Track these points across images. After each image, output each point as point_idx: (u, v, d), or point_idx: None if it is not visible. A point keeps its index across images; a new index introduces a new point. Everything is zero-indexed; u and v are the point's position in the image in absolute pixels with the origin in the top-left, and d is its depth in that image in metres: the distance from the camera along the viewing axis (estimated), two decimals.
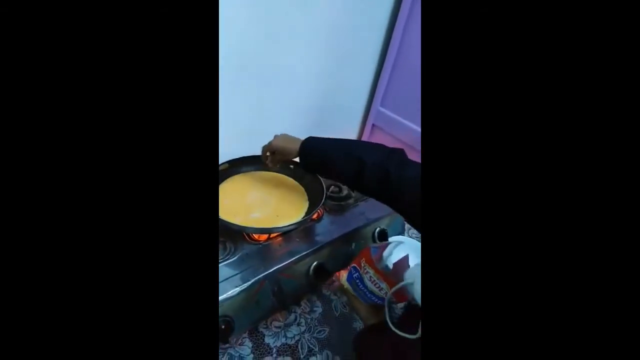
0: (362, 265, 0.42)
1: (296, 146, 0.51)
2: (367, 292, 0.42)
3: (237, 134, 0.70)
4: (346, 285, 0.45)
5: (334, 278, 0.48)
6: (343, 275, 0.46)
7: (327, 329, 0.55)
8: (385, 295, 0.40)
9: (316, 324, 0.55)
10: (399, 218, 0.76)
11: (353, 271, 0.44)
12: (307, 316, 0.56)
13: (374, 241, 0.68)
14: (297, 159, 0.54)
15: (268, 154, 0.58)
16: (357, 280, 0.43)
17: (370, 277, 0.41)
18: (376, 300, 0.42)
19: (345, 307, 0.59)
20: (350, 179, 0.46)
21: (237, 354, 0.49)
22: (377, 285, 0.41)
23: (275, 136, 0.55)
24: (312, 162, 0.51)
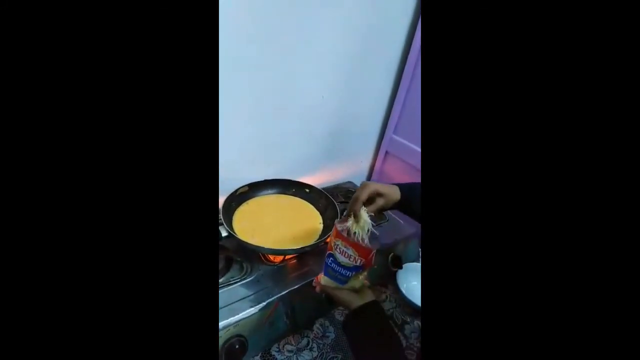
0: (332, 243, 0.44)
1: (396, 192, 0.49)
2: (342, 269, 0.43)
3: (256, 159, 0.75)
4: (324, 280, 0.46)
5: (313, 284, 0.48)
6: (320, 276, 0.47)
7: (340, 356, 0.54)
8: (355, 262, 0.42)
9: (329, 350, 0.54)
10: (414, 244, 0.76)
11: (327, 258, 0.45)
12: (320, 341, 0.55)
13: (389, 267, 0.68)
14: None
15: (360, 205, 0.47)
16: (332, 265, 0.44)
17: (340, 249, 0.42)
18: (349, 273, 0.43)
19: None
20: None
21: None
22: (346, 255, 0.42)
23: (365, 184, 0.48)
24: (413, 203, 0.50)
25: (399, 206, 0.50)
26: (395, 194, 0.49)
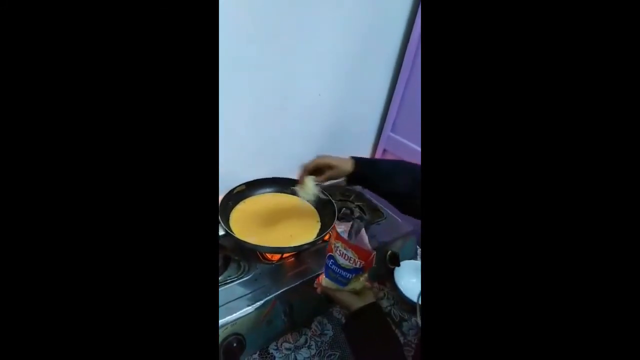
0: (332, 245, 0.44)
1: (348, 164, 0.52)
2: (342, 271, 0.44)
3: (255, 158, 0.75)
4: (325, 282, 0.47)
5: (314, 285, 0.49)
6: (322, 278, 0.48)
7: (338, 354, 0.54)
8: (355, 264, 0.42)
9: (326, 347, 0.55)
10: (411, 242, 0.76)
11: (327, 260, 0.46)
12: (318, 339, 0.56)
13: (387, 265, 0.68)
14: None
15: (305, 173, 0.54)
16: (333, 266, 0.44)
17: (340, 251, 0.43)
18: (349, 275, 0.44)
19: None
20: (405, 193, 0.50)
21: None
22: (346, 257, 0.43)
23: (319, 156, 0.53)
24: (371, 178, 0.53)
25: (355, 179, 0.53)
26: (345, 165, 0.52)
